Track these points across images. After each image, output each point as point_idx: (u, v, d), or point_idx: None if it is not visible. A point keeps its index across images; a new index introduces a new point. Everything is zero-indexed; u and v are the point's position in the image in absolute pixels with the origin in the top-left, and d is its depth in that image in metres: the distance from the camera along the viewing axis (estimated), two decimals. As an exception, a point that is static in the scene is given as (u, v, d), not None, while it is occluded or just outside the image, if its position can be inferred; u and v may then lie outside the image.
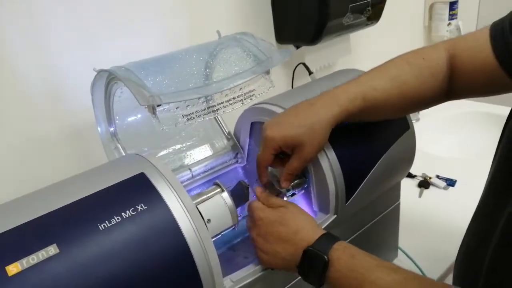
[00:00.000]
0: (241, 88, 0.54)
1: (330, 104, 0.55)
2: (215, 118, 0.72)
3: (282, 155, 0.58)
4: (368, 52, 1.25)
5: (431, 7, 1.43)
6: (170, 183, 0.46)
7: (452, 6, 1.37)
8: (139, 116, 0.68)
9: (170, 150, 0.70)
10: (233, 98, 0.54)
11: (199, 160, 0.70)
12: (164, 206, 0.45)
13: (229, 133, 0.73)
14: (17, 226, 0.41)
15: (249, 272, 0.53)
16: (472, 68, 0.55)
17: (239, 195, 0.58)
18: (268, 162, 0.57)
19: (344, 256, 0.49)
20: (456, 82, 0.57)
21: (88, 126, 0.73)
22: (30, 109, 0.68)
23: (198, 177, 0.68)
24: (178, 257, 0.44)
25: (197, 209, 0.49)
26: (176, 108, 0.50)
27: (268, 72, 0.57)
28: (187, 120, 0.50)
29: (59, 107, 0.71)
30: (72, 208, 0.43)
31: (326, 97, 0.56)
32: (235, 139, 0.73)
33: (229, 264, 0.64)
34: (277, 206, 0.56)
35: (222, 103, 0.53)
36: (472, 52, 0.55)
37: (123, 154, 0.65)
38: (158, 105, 0.48)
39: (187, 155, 0.72)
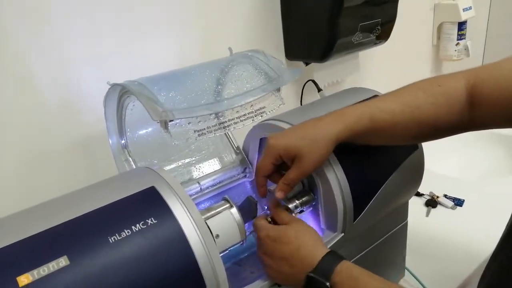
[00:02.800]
0: (252, 105, 0.55)
1: (335, 121, 0.55)
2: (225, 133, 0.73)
3: (283, 170, 0.58)
4: (376, 70, 1.26)
5: (440, 27, 1.44)
6: (180, 198, 0.47)
7: (461, 26, 1.38)
8: (149, 129, 0.69)
9: (180, 163, 0.71)
10: (244, 115, 0.55)
11: (208, 174, 0.70)
12: (174, 221, 0.45)
13: (238, 148, 0.73)
14: (28, 237, 0.41)
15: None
16: (497, 97, 0.52)
17: (247, 210, 0.59)
18: (267, 171, 0.57)
19: (346, 280, 0.48)
20: (479, 113, 0.54)
21: (98, 138, 0.74)
22: (43, 120, 0.69)
23: (206, 191, 0.69)
24: (186, 272, 0.44)
25: (206, 224, 0.49)
26: (188, 123, 0.50)
27: (278, 90, 0.58)
28: (198, 135, 0.51)
29: (70, 119, 0.72)
30: (83, 220, 0.44)
31: (333, 115, 0.56)
32: (243, 154, 0.73)
33: (235, 279, 0.63)
34: (282, 223, 0.56)
35: (233, 119, 0.54)
36: (497, 81, 0.52)
37: (133, 166, 0.65)
38: (171, 120, 0.49)
39: (196, 168, 0.72)
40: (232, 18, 0.90)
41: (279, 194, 0.57)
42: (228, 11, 0.88)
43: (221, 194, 0.70)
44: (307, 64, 1.01)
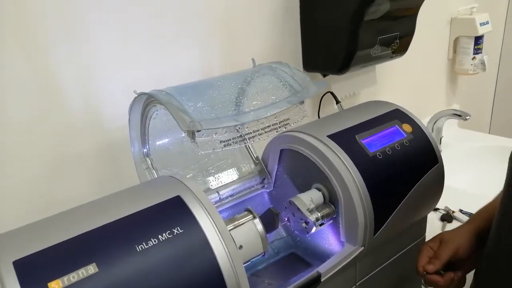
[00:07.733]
0: (276, 117, 0.56)
1: None
2: (244, 143, 0.73)
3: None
4: (392, 83, 1.26)
5: (456, 41, 1.43)
6: (206, 208, 0.47)
7: (478, 40, 1.38)
8: (169, 138, 0.69)
9: (198, 173, 0.71)
10: (268, 126, 0.55)
11: (226, 184, 0.71)
12: (200, 231, 0.45)
13: (257, 158, 0.74)
14: (58, 243, 0.42)
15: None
16: None
17: (269, 222, 0.59)
18: None
19: None
20: None
21: (121, 145, 0.75)
22: (67, 124, 0.69)
23: (225, 201, 0.69)
24: (211, 282, 0.44)
25: (231, 235, 0.49)
26: (215, 134, 0.51)
27: (302, 102, 0.58)
28: (224, 146, 0.51)
29: (93, 124, 0.72)
30: (111, 228, 0.44)
31: None
32: (263, 164, 0.73)
33: (253, 290, 0.64)
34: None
35: (257, 130, 0.54)
36: None
37: (155, 174, 0.66)
38: (198, 131, 0.49)
39: (215, 178, 0.72)
40: (252, 30, 0.90)
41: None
42: (248, 22, 0.89)
43: (239, 204, 0.71)
44: (324, 75, 1.02)
